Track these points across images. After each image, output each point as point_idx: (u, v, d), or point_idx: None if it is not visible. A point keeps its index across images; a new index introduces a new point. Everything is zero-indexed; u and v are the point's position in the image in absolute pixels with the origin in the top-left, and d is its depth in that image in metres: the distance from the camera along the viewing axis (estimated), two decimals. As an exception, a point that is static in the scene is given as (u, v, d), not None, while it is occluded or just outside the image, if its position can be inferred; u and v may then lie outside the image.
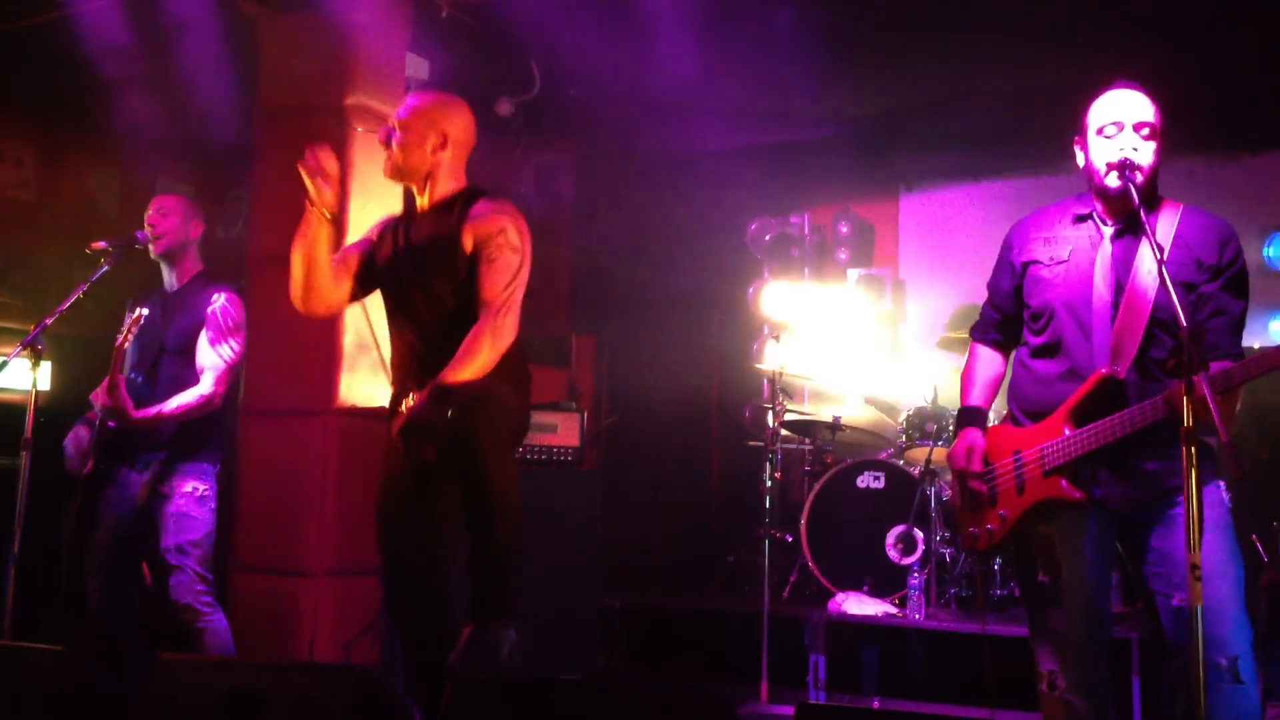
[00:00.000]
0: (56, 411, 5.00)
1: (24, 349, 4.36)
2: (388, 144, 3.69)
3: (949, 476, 6.41)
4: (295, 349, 5.61)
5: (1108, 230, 3.32)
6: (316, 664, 4.75)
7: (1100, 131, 3.30)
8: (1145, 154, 3.23)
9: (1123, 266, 3.26)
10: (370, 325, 3.64)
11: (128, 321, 4.46)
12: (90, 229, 5.46)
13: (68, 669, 3.39)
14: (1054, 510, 3.28)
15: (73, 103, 6.37)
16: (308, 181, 3.60)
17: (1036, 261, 3.40)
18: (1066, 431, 3.26)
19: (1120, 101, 3.30)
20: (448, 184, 3.71)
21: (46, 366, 4.55)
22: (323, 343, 5.62)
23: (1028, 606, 3.40)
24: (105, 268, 4.62)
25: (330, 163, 3.60)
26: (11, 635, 4.15)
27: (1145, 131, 3.25)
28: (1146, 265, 3.21)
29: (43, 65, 6.19)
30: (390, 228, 3.78)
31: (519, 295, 3.55)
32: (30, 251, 6.72)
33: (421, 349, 3.59)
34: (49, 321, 4.44)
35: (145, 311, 4.48)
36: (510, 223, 3.58)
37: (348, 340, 5.67)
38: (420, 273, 3.60)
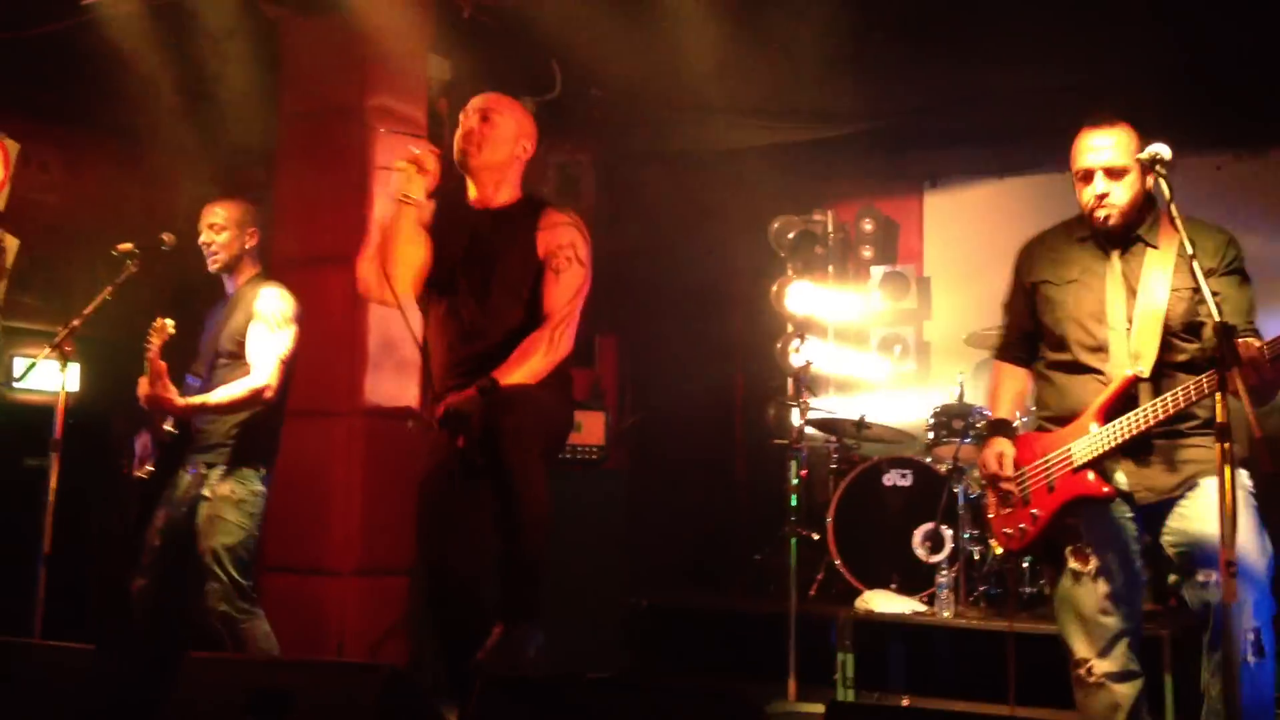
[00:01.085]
0: (85, 413, 5.03)
1: (52, 351, 4.38)
2: (476, 130, 3.66)
3: (977, 473, 6.43)
4: (320, 350, 5.62)
5: (1114, 249, 3.49)
6: (345, 663, 4.75)
7: (1078, 176, 3.50)
8: (1118, 194, 3.42)
9: (1131, 281, 3.45)
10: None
11: (154, 328, 4.43)
12: (114, 232, 5.47)
13: (98, 668, 3.41)
14: (1082, 504, 3.42)
15: (97, 107, 6.40)
16: (407, 175, 3.57)
17: (1046, 281, 3.59)
18: (1093, 428, 3.39)
19: (1087, 150, 3.47)
20: (512, 191, 3.74)
21: (74, 369, 4.56)
22: (347, 344, 5.64)
23: (1059, 598, 3.51)
24: (131, 270, 4.62)
25: (430, 159, 3.61)
26: (41, 634, 4.17)
27: (1115, 172, 3.42)
28: (1155, 277, 3.40)
29: (67, 70, 6.22)
30: (446, 229, 3.73)
31: (579, 309, 3.61)
32: (56, 254, 6.75)
33: (473, 353, 3.56)
34: (77, 323, 4.45)
35: (169, 321, 4.46)
36: (579, 236, 3.66)
37: (372, 341, 5.68)
38: (487, 279, 3.60)
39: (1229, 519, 2.79)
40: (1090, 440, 3.39)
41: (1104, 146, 3.44)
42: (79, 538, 5.06)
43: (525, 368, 3.46)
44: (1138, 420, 3.31)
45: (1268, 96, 6.81)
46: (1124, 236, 3.46)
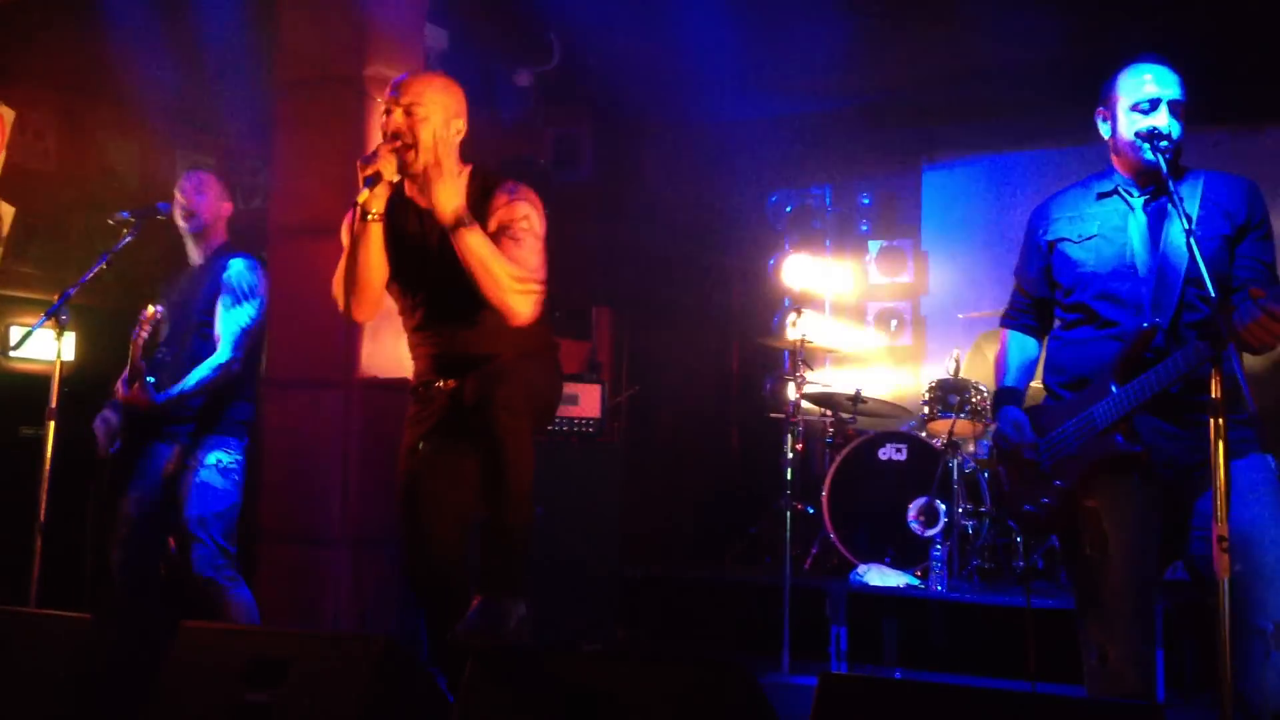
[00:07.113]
0: (80, 382, 5.02)
1: (48, 320, 4.37)
2: (401, 132, 3.50)
3: (971, 448, 6.45)
4: (316, 320, 5.60)
5: (1137, 200, 3.36)
6: (340, 632, 4.77)
7: (1135, 107, 3.33)
8: (1176, 129, 3.30)
9: (1155, 232, 3.32)
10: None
11: (144, 317, 4.47)
12: (110, 200, 5.46)
13: (94, 637, 3.41)
14: (1103, 480, 3.25)
15: (92, 74, 6.37)
16: (370, 191, 3.44)
17: (1064, 239, 3.43)
18: (1114, 389, 3.22)
19: (1154, 79, 3.34)
20: (457, 169, 3.62)
21: (70, 337, 4.55)
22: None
23: (1074, 582, 3.39)
24: (128, 238, 4.61)
25: (389, 163, 3.46)
26: (38, 604, 4.18)
27: (1178, 110, 3.31)
28: (1178, 229, 3.22)
29: (62, 36, 6.19)
30: (400, 213, 3.64)
31: (543, 276, 3.52)
32: (51, 223, 6.72)
33: (453, 338, 3.55)
34: (72, 292, 4.43)
35: (159, 309, 4.51)
36: (532, 209, 3.56)
37: (369, 311, 5.67)
38: (454, 264, 3.49)
39: (1222, 495, 2.80)
40: (1113, 401, 3.21)
41: (1170, 79, 3.34)
42: (75, 507, 5.06)
43: (495, 269, 3.39)
44: (1158, 377, 3.11)
45: (1264, 74, 6.80)
46: (1155, 183, 3.32)
